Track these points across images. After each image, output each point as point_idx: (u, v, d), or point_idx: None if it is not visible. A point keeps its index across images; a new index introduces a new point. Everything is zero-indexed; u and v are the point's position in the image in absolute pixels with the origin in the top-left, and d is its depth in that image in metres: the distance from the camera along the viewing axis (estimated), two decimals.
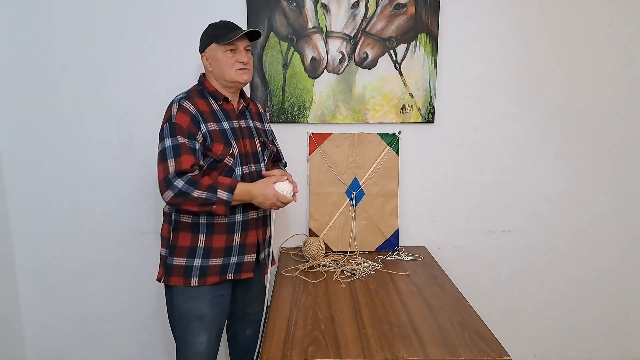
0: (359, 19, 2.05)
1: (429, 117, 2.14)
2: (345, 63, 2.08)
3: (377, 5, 2.04)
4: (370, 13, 2.04)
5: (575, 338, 2.39)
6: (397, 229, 2.18)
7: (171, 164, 1.50)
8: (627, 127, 2.21)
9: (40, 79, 2.07)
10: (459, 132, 2.18)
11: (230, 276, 1.65)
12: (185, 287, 1.61)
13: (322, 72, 2.09)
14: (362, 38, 2.06)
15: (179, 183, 1.48)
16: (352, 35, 2.06)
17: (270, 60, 2.07)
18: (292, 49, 2.06)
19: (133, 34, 2.04)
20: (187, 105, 1.58)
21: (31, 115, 2.09)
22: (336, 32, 2.05)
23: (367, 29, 2.06)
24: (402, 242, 2.24)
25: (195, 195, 1.48)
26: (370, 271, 1.92)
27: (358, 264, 1.98)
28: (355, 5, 2.03)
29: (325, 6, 2.03)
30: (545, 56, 2.13)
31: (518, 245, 2.29)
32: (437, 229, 2.26)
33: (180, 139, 1.52)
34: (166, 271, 1.63)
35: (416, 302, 1.65)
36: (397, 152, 2.15)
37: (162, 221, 1.70)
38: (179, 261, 1.61)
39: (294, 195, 1.67)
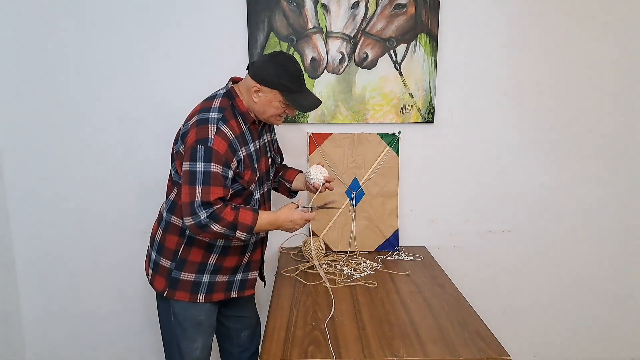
0: (359, 19, 2.05)
1: (429, 117, 2.14)
2: (345, 63, 2.08)
3: (377, 5, 2.04)
4: (370, 13, 2.04)
5: (575, 338, 2.40)
6: (397, 229, 2.18)
7: (198, 191, 1.42)
8: (628, 127, 2.21)
9: (41, 78, 2.07)
10: (459, 132, 2.18)
11: (234, 294, 1.67)
12: (190, 302, 1.59)
13: (322, 72, 2.09)
14: (362, 38, 2.06)
15: (202, 214, 1.41)
16: (352, 35, 2.06)
17: None
18: (292, 49, 2.06)
19: (133, 33, 2.04)
20: (226, 130, 1.47)
21: (31, 115, 2.09)
22: (336, 32, 2.05)
23: (367, 29, 2.06)
24: (402, 242, 2.24)
25: (214, 229, 1.43)
26: (370, 271, 1.92)
27: (358, 264, 1.99)
28: (355, 6, 2.03)
29: (325, 6, 2.03)
30: (545, 56, 2.13)
31: (518, 245, 2.29)
32: (437, 229, 2.26)
33: (214, 167, 1.43)
34: (171, 285, 1.59)
35: (416, 302, 1.65)
36: (397, 152, 2.15)
37: (167, 231, 1.60)
38: (187, 276, 1.58)
39: (329, 183, 1.72)
